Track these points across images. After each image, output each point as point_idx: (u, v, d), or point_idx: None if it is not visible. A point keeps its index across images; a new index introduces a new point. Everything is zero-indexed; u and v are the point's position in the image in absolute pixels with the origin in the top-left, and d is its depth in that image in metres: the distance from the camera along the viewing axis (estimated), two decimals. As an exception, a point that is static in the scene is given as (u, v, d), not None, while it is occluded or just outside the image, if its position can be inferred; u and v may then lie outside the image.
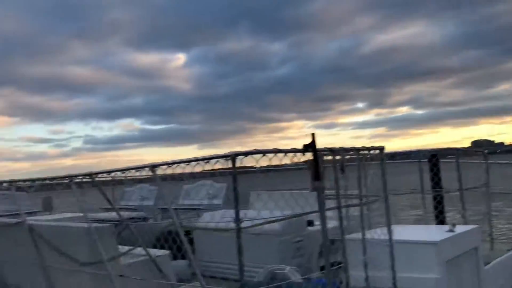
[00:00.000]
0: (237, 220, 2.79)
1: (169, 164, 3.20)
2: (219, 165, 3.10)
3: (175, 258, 4.41)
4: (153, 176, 3.27)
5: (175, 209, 8.52)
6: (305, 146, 3.15)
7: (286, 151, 3.00)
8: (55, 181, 4.08)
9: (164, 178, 3.37)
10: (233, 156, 2.82)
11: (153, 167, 3.27)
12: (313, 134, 3.12)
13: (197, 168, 3.12)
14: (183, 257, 4.09)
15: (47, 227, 4.23)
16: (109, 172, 3.62)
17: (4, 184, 4.76)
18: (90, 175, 3.81)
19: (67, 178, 3.96)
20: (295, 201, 3.54)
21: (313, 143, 3.13)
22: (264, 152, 2.88)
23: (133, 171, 3.47)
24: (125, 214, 6.50)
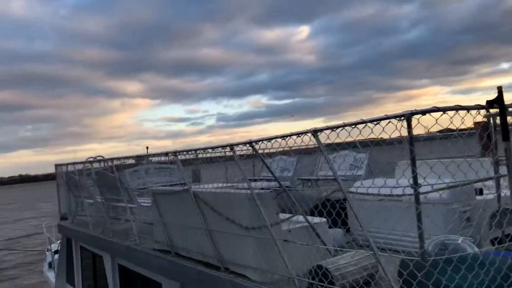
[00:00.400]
0: (416, 184, 2.57)
1: (333, 128, 3.09)
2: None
3: (330, 227, 4.37)
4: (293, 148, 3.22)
5: (316, 180, 8.58)
6: (489, 102, 2.78)
7: (468, 108, 2.67)
8: (217, 150, 4.28)
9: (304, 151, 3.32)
10: (408, 116, 2.58)
11: (315, 131, 3.20)
12: (499, 88, 2.74)
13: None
14: (338, 225, 4.02)
15: (211, 194, 4.49)
16: (269, 139, 3.65)
17: (171, 156, 5.16)
18: (250, 143, 3.90)
19: (227, 147, 4.12)
20: (457, 168, 3.21)
21: (499, 98, 2.74)
22: (444, 110, 2.59)
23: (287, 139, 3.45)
24: (271, 184, 6.62)
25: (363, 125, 2.88)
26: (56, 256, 10.32)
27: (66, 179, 8.16)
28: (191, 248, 4.87)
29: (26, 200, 74.50)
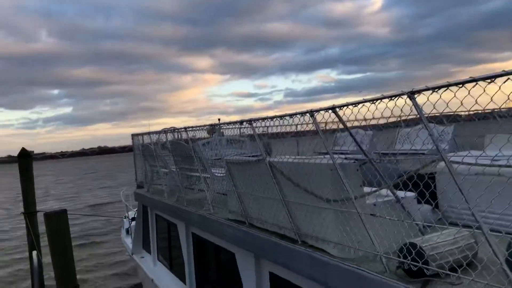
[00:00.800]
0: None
1: (434, 89, 2.71)
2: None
3: (419, 202, 4.00)
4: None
5: (395, 153, 8.05)
6: None
7: None
8: (296, 115, 4.02)
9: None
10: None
11: (412, 92, 2.83)
12: None
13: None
14: (425, 201, 3.64)
15: (288, 164, 4.27)
16: (355, 104, 3.32)
17: (245, 124, 5.00)
18: (332, 108, 3.60)
19: (307, 113, 3.85)
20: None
21: None
22: None
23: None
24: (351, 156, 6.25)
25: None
26: (133, 223, 10.79)
27: (142, 149, 8.38)
28: (266, 219, 4.72)
29: (106, 170, 79.72)
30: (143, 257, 9.26)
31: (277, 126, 4.65)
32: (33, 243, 10.38)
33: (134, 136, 9.06)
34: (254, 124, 4.83)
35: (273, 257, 4.44)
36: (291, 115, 4.18)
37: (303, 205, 4.05)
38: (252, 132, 4.82)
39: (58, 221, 7.94)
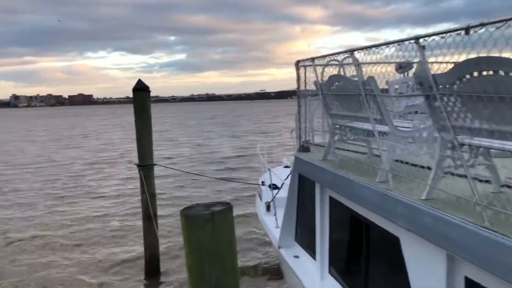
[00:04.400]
0: None
1: None
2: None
3: None
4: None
5: None
6: None
7: None
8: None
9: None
10: None
11: None
12: None
13: None
14: None
15: None
16: None
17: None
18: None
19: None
20: None
21: None
22: None
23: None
24: None
25: None
26: (276, 193, 7.66)
27: (323, 88, 4.98)
28: None
29: (224, 117, 79.61)
30: (297, 257, 6.08)
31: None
32: (147, 206, 7.90)
33: (300, 65, 5.66)
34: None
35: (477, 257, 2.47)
36: None
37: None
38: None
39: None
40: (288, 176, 7.11)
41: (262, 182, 8.66)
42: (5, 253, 9.39)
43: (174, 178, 15.56)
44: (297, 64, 5.83)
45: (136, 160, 8.24)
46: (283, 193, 7.28)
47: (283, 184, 7.80)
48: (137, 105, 8.04)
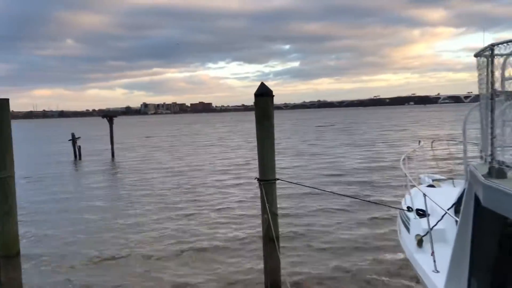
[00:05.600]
0: None
1: None
2: None
3: None
4: None
5: None
6: None
7: None
8: None
9: None
10: None
11: None
12: None
13: None
14: None
15: None
16: None
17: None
18: None
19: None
20: None
21: None
22: None
23: None
24: None
25: None
26: (434, 225, 5.97)
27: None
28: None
29: (340, 123, 77.15)
30: None
31: None
32: (269, 227, 6.96)
33: (493, 47, 4.11)
34: None
35: None
36: None
37: None
38: None
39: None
40: (452, 206, 5.53)
41: (408, 207, 7.07)
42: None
43: (295, 194, 13.92)
44: (492, 49, 4.20)
45: (256, 173, 7.38)
46: (439, 223, 5.71)
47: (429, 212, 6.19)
48: (259, 111, 7.15)
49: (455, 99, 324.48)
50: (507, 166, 4.20)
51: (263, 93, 7.17)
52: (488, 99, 4.47)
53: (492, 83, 4.27)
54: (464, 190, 5.45)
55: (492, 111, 4.31)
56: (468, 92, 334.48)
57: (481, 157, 5.27)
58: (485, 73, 4.49)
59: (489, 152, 4.20)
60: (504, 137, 4.37)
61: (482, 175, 4.15)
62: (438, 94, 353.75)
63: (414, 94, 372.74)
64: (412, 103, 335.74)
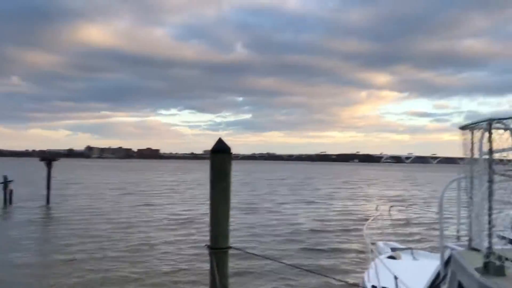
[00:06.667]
0: None
1: None
2: None
3: None
4: None
5: None
6: None
7: None
8: None
9: None
10: None
11: None
12: None
13: None
14: None
15: None
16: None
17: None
18: None
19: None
20: None
21: None
22: None
23: None
24: None
25: None
26: None
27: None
28: None
29: (292, 177, 76.91)
30: None
31: None
32: (219, 307, 5.94)
33: (466, 128, 3.67)
34: None
35: None
36: None
37: None
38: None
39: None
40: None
41: (373, 286, 6.32)
42: None
43: (246, 262, 12.38)
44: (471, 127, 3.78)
45: (206, 239, 6.42)
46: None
47: None
48: (215, 170, 6.30)
49: (397, 159, 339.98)
50: (507, 259, 3.59)
51: (221, 150, 6.38)
52: (480, 179, 3.97)
53: (490, 163, 3.73)
54: (438, 273, 4.88)
55: (491, 194, 3.74)
56: (409, 153, 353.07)
57: (457, 238, 4.74)
58: (475, 147, 4.03)
59: (486, 244, 3.58)
60: (493, 222, 3.80)
61: (476, 269, 3.50)
62: (381, 153, 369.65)
63: (358, 152, 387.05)
64: (356, 160, 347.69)
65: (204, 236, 12.86)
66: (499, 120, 3.32)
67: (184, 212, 25.89)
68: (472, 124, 3.73)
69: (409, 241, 9.66)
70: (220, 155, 6.36)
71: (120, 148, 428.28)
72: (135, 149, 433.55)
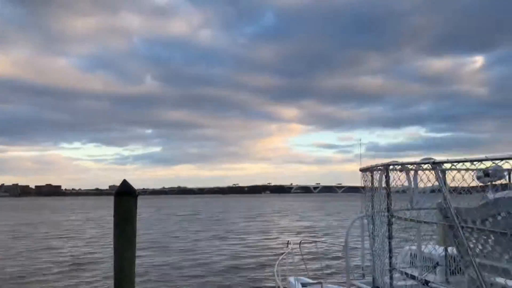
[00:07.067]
0: None
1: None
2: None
3: None
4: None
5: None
6: None
7: None
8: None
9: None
10: None
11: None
12: None
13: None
14: None
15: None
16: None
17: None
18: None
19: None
20: None
21: None
22: None
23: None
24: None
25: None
26: None
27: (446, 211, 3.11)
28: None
29: (205, 212, 75.38)
30: None
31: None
32: None
33: (365, 171, 3.81)
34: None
35: None
36: None
37: None
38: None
39: None
40: None
41: None
42: None
43: None
44: (387, 168, 3.97)
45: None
46: None
47: None
48: (119, 215, 5.87)
49: (305, 189, 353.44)
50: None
51: (126, 192, 6.00)
52: (380, 218, 4.16)
53: (389, 210, 3.94)
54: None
55: (390, 237, 3.91)
56: (316, 183, 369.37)
57: (363, 275, 4.92)
58: (375, 189, 4.23)
59: (388, 285, 3.72)
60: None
61: None
62: (291, 184, 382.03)
63: (270, 183, 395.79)
64: (268, 192, 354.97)
65: (110, 280, 11.99)
66: (394, 165, 3.54)
67: (88, 256, 24.01)
68: (371, 168, 3.93)
69: (319, 276, 9.87)
70: (124, 197, 5.96)
71: (15, 185, 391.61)
72: (32, 186, 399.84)
